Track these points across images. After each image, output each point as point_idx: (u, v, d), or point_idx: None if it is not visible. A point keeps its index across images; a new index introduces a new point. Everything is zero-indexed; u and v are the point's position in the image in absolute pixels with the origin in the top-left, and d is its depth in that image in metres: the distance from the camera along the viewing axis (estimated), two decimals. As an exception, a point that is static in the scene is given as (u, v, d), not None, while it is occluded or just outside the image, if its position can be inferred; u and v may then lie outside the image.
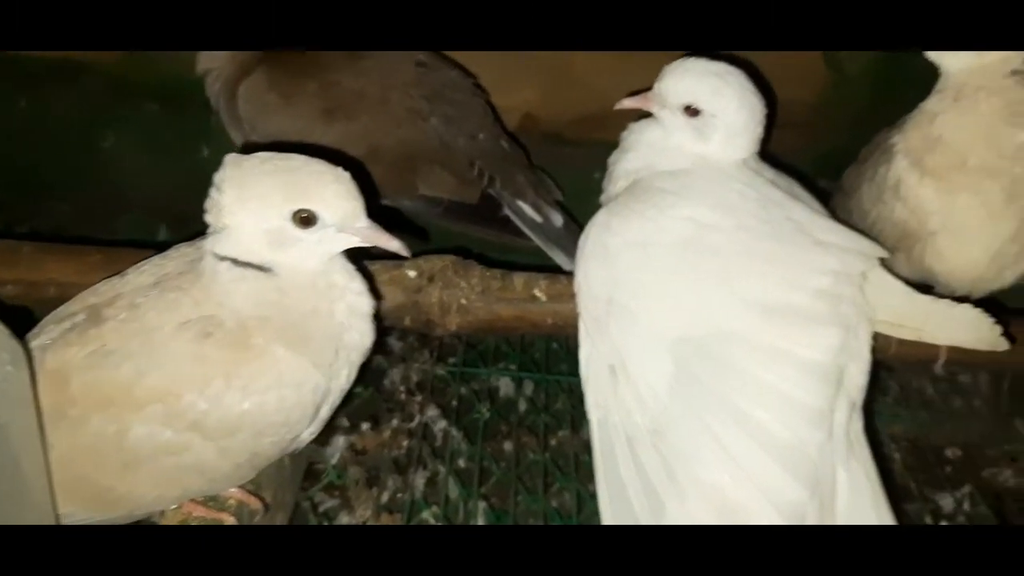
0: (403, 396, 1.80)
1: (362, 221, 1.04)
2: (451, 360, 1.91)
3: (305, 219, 1.00)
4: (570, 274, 1.56)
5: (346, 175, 1.02)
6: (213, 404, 1.00)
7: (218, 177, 1.02)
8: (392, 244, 1.06)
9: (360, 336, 1.10)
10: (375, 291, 1.13)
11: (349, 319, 1.09)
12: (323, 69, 1.66)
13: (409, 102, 1.71)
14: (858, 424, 1.17)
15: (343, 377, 1.10)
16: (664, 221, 1.20)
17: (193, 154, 2.00)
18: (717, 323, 1.13)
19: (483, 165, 1.78)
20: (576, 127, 2.13)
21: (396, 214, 1.76)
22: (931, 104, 1.43)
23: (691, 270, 1.17)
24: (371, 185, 1.63)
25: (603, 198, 1.41)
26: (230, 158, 1.02)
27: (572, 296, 1.29)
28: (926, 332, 1.24)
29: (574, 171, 1.99)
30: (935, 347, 1.31)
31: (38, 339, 1.06)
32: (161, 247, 1.90)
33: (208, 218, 1.03)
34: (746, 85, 1.28)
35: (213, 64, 1.68)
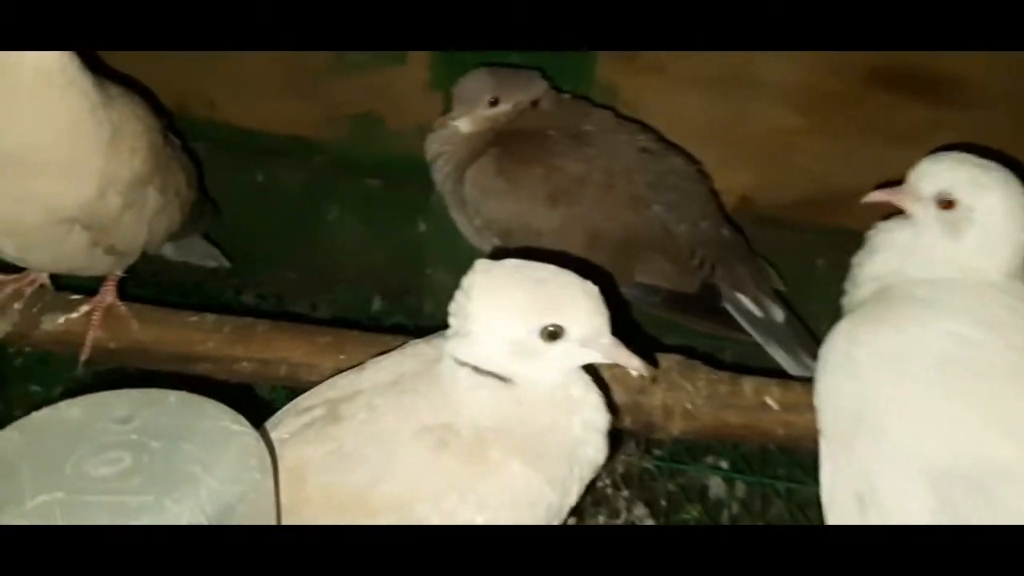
0: (608, 490, 1.73)
1: (606, 337, 0.99)
2: (657, 452, 1.82)
3: (552, 333, 0.96)
4: (802, 380, 1.46)
5: (595, 289, 0.98)
6: (446, 518, 0.97)
7: (467, 282, 0.99)
8: (633, 362, 1.00)
9: (595, 451, 1.05)
10: (612, 405, 1.08)
11: (585, 433, 1.04)
12: (549, 155, 1.66)
13: (632, 188, 1.68)
14: None
15: (573, 494, 1.05)
16: (921, 334, 1.10)
17: (409, 229, 2.05)
18: (986, 455, 1.02)
19: (704, 254, 1.72)
20: (795, 210, 2.01)
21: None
22: None
23: (954, 392, 1.06)
24: (618, 298, 1.59)
25: (845, 302, 1.31)
26: (480, 264, 1.00)
27: (809, 407, 1.20)
28: None
29: (791, 258, 1.90)
30: None
31: (277, 431, 1.07)
32: (375, 319, 1.93)
33: (452, 321, 1.01)
34: (1014, 183, 1.16)
35: (446, 147, 1.71)
